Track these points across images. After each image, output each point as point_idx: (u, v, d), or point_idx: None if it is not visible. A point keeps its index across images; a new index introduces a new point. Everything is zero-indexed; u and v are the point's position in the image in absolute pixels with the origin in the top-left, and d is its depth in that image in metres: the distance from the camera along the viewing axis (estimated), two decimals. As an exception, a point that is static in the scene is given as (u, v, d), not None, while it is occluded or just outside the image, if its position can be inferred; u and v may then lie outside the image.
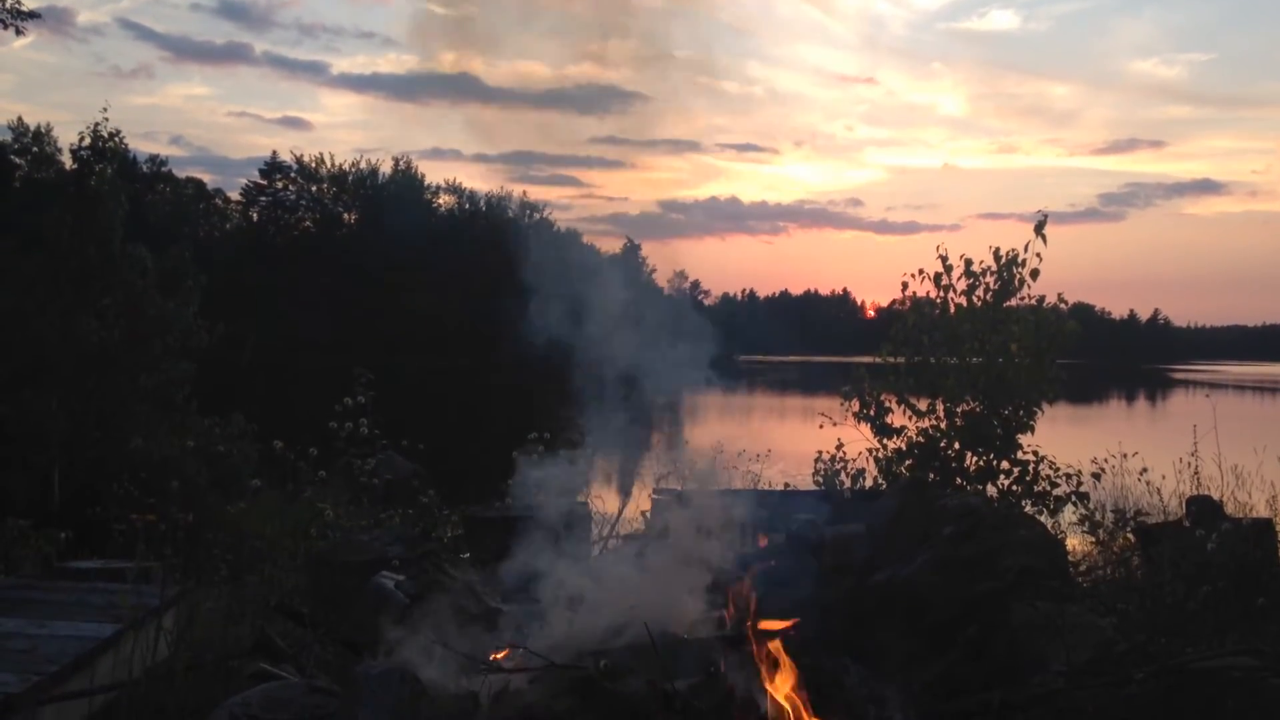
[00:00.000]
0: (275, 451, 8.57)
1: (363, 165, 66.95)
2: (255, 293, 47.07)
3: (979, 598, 5.22)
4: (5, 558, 8.04)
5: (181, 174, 62.84)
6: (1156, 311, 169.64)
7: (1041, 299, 9.14)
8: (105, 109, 18.93)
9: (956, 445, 8.90)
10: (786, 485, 9.70)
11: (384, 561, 5.59)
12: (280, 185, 66.34)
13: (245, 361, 35.67)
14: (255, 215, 66.69)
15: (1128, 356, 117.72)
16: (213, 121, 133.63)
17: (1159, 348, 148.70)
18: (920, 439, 9.03)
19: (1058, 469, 8.82)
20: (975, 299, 9.19)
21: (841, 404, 9.38)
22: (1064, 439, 10.66)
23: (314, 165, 66.45)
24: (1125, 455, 9.25)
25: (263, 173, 66.33)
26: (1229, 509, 7.96)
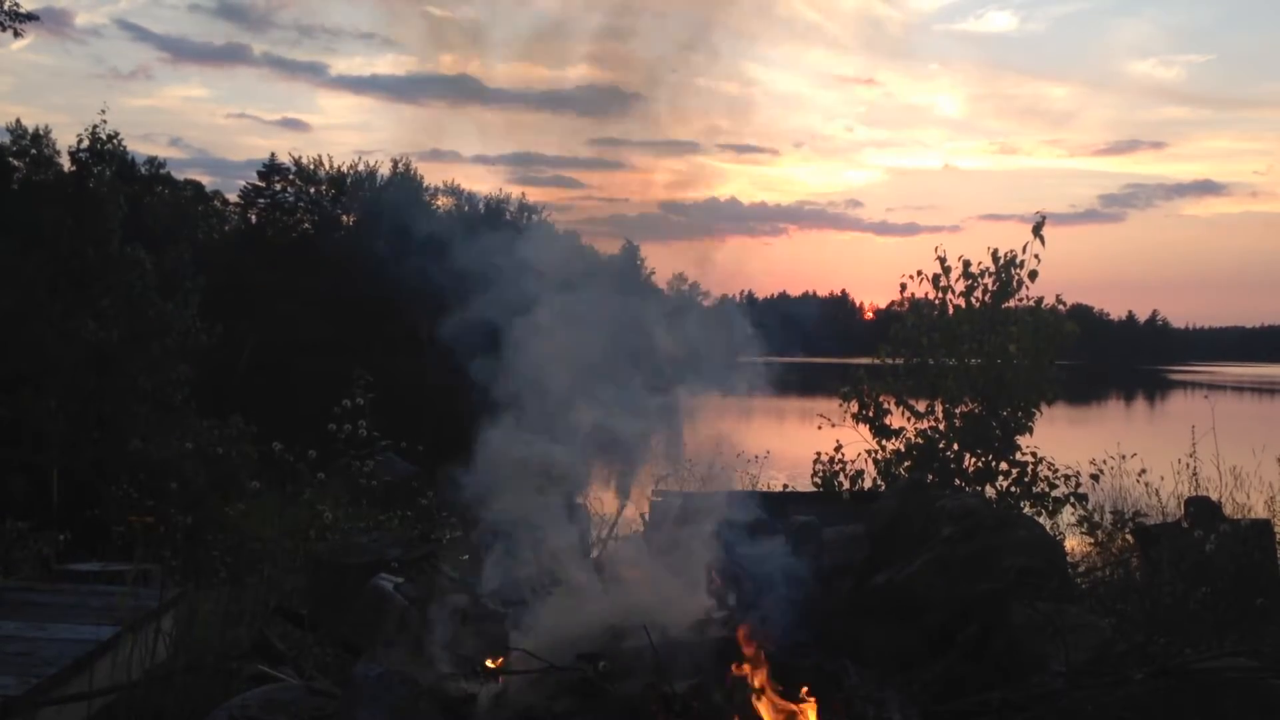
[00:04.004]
0: (274, 453, 8.56)
1: (361, 167, 66.82)
2: (254, 294, 46.97)
3: (978, 598, 5.22)
4: (4, 559, 8.03)
5: (180, 176, 62.64)
6: (1155, 312, 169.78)
7: (1040, 300, 9.16)
8: (104, 111, 18.80)
9: (955, 446, 8.91)
10: (786, 486, 9.71)
11: (383, 563, 5.58)
12: (279, 187, 66.16)
13: (244, 363, 35.65)
14: (254, 217, 66.51)
15: (1126, 357, 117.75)
16: (211, 123, 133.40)
17: (1157, 348, 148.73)
18: (919, 440, 9.03)
19: (1056, 470, 8.82)
20: (974, 300, 9.20)
21: (840, 405, 9.38)
22: (1063, 440, 10.66)
23: (312, 167, 66.33)
24: (1124, 456, 9.25)
25: (261, 174, 66.14)
26: (1227, 510, 7.97)
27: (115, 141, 16.62)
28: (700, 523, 5.06)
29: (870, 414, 9.23)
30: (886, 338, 9.54)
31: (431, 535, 7.13)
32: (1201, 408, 9.80)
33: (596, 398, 5.13)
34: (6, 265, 13.92)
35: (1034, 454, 8.88)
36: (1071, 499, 8.72)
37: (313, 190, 66.73)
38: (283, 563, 7.34)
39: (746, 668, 4.25)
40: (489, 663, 4.40)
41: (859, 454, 9.16)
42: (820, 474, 9.16)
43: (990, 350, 8.95)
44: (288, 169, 66.55)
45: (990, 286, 9.13)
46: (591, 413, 5.16)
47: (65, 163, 19.05)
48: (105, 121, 15.85)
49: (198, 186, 64.27)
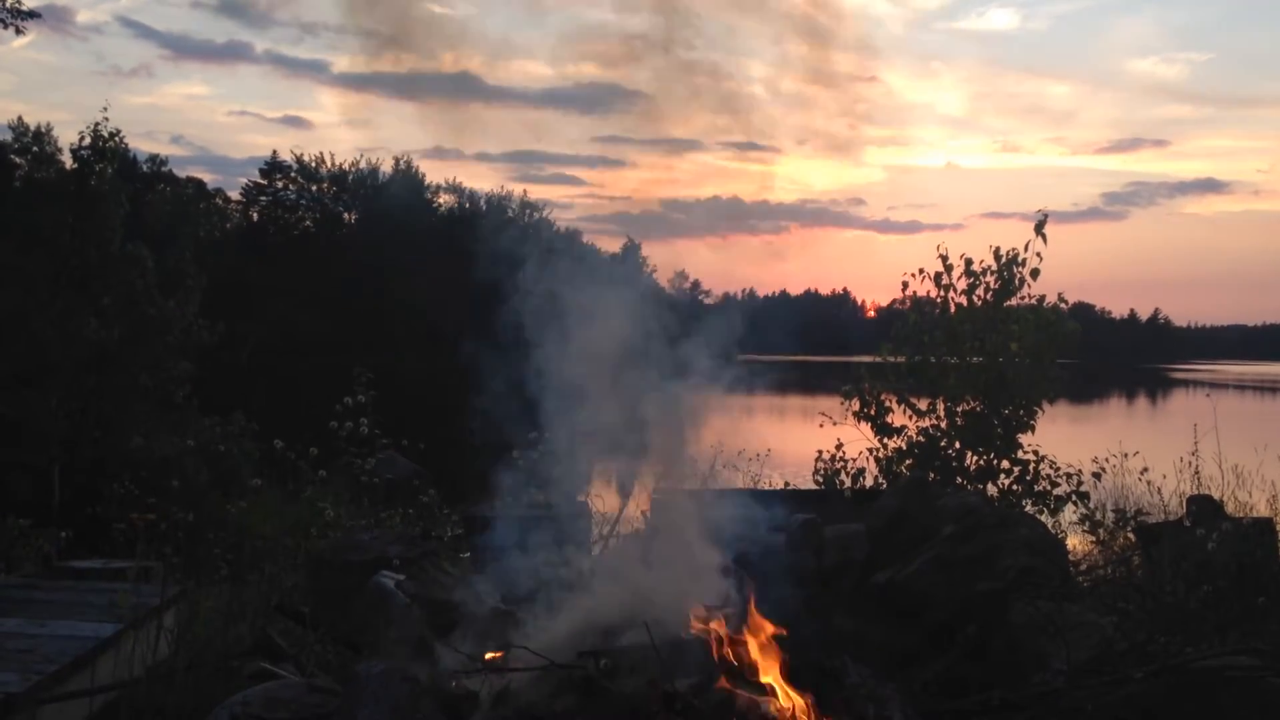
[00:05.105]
0: (275, 451, 8.55)
1: (363, 165, 66.84)
2: (255, 292, 47.03)
3: (979, 597, 5.23)
4: (6, 557, 8.05)
5: (182, 173, 62.58)
6: (1157, 311, 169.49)
7: (1042, 298, 9.15)
8: (105, 108, 18.97)
9: (957, 444, 8.90)
10: (787, 485, 9.70)
11: (384, 561, 5.59)
12: (280, 185, 66.27)
13: (245, 361, 35.68)
14: (255, 215, 66.61)
15: (1128, 356, 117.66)
16: (213, 121, 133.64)
17: (1159, 347, 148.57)
18: (921, 438, 9.03)
19: (1058, 468, 8.82)
20: (976, 298, 9.20)
21: (842, 403, 9.38)
22: (1064, 438, 10.66)
23: (314, 165, 66.40)
24: (1126, 454, 9.24)
25: (263, 172, 66.27)
26: (1229, 508, 7.96)
27: (117, 139, 16.59)
28: (701, 521, 5.06)
29: (872, 412, 9.23)
30: (888, 336, 9.54)
31: (432, 533, 7.13)
32: (1203, 406, 9.79)
33: (598, 395, 5.13)
34: (8, 263, 13.93)
35: (1035, 452, 8.88)
36: (1073, 497, 8.71)
37: (314, 188, 66.81)
38: (284, 560, 7.34)
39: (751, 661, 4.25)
40: (489, 658, 4.40)
41: (860, 452, 9.15)
42: (821, 472, 9.16)
43: (992, 348, 8.94)
44: (289, 167, 66.64)
45: (992, 285, 9.12)
46: (594, 410, 5.16)
47: (67, 161, 19.06)
48: (107, 119, 15.86)
49: (199, 184, 64.22)
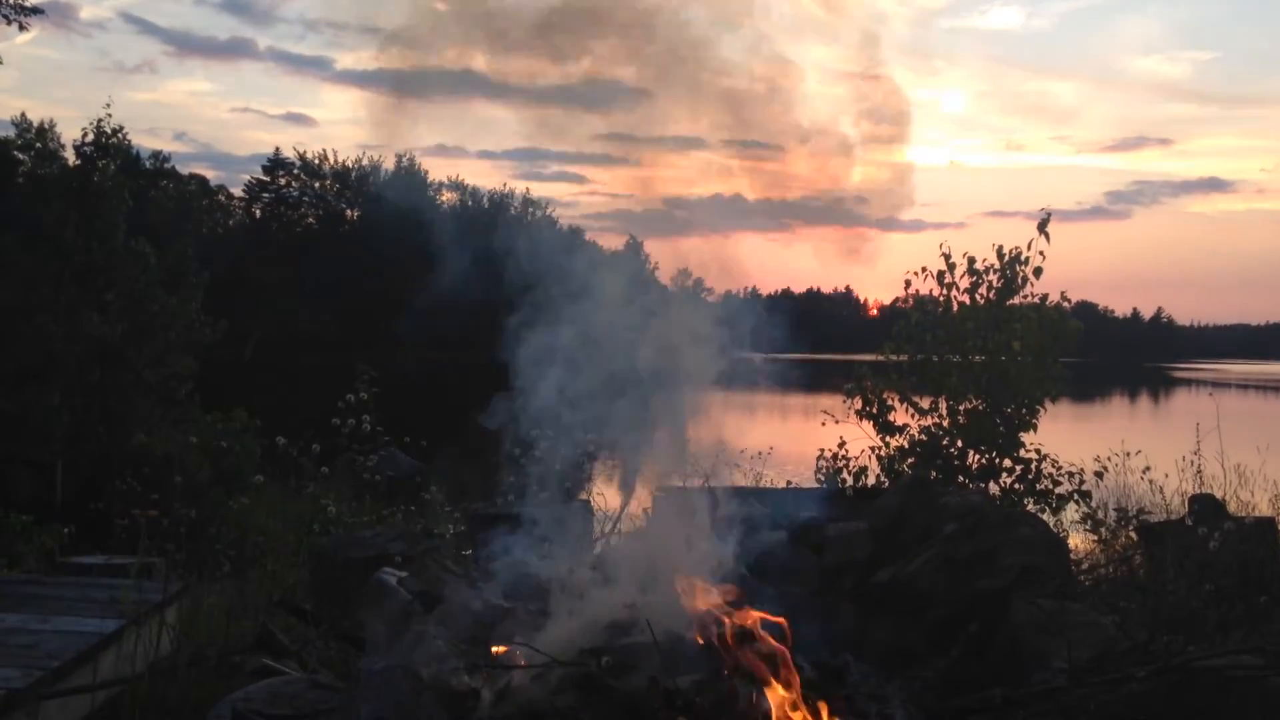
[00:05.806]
0: (278, 447, 8.57)
1: (365, 162, 66.85)
2: (258, 289, 47.08)
3: (981, 596, 5.23)
4: (8, 553, 8.06)
5: (185, 170, 62.56)
6: (1160, 310, 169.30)
7: (1044, 297, 9.13)
8: (108, 105, 19.05)
9: (959, 443, 8.89)
10: (789, 483, 9.70)
11: (386, 558, 5.60)
12: (283, 182, 66.32)
13: (248, 358, 35.72)
14: (258, 212, 66.66)
15: (1130, 355, 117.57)
16: (216, 117, 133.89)
17: (1162, 346, 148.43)
18: (923, 437, 9.02)
19: (1060, 467, 8.81)
20: (978, 297, 9.18)
21: (844, 402, 9.37)
22: (1066, 437, 10.64)
23: (317, 161, 66.44)
24: (1128, 454, 9.23)
25: (266, 169, 66.32)
26: (1232, 508, 7.95)
27: (120, 136, 16.63)
28: (703, 519, 5.06)
29: (874, 410, 9.22)
30: (890, 334, 9.53)
31: (434, 530, 7.15)
32: (1206, 405, 9.76)
33: (600, 394, 5.13)
34: (11, 260, 13.97)
35: (1038, 451, 8.87)
36: (1075, 496, 8.70)
37: (317, 185, 66.84)
38: (286, 557, 7.35)
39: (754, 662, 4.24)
40: (494, 653, 4.40)
41: (862, 450, 9.14)
42: (823, 470, 9.15)
43: (994, 347, 8.93)
44: (292, 164, 66.71)
45: (995, 283, 9.11)
46: (596, 409, 5.16)
47: (70, 157, 19.10)
48: (110, 115, 15.91)
49: (202, 181, 64.24)
